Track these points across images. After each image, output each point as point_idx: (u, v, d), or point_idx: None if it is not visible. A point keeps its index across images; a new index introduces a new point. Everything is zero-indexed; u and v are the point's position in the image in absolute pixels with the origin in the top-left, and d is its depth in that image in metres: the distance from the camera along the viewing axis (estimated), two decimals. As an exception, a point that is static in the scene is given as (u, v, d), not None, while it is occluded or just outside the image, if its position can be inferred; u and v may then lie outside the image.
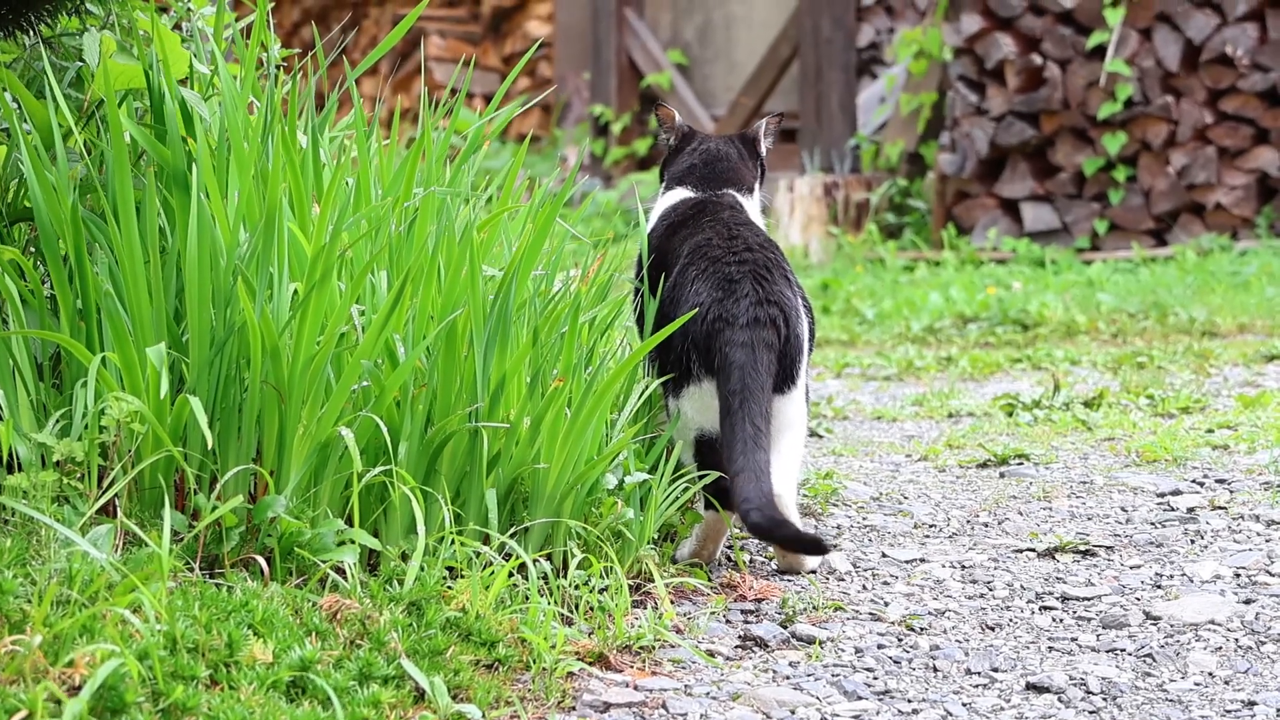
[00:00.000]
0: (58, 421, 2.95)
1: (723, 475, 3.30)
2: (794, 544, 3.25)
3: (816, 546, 3.21)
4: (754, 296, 3.33)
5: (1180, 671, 2.97)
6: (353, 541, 2.96)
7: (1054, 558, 3.62)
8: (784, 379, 3.35)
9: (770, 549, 3.55)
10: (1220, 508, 3.99)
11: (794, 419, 3.40)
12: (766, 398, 3.28)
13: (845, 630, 3.15)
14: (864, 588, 3.42)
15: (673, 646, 2.99)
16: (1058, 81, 9.94)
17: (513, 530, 3.19)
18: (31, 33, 3.22)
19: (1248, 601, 3.28)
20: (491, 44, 14.39)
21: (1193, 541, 3.72)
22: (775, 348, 3.31)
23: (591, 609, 3.05)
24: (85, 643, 2.43)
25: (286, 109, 3.33)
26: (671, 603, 3.21)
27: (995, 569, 3.54)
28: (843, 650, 3.05)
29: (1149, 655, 3.03)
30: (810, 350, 3.50)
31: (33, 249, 3.25)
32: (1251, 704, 2.81)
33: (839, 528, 3.90)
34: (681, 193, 3.76)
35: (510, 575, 2.98)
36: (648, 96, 12.68)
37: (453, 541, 3.02)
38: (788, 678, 2.92)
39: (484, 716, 2.63)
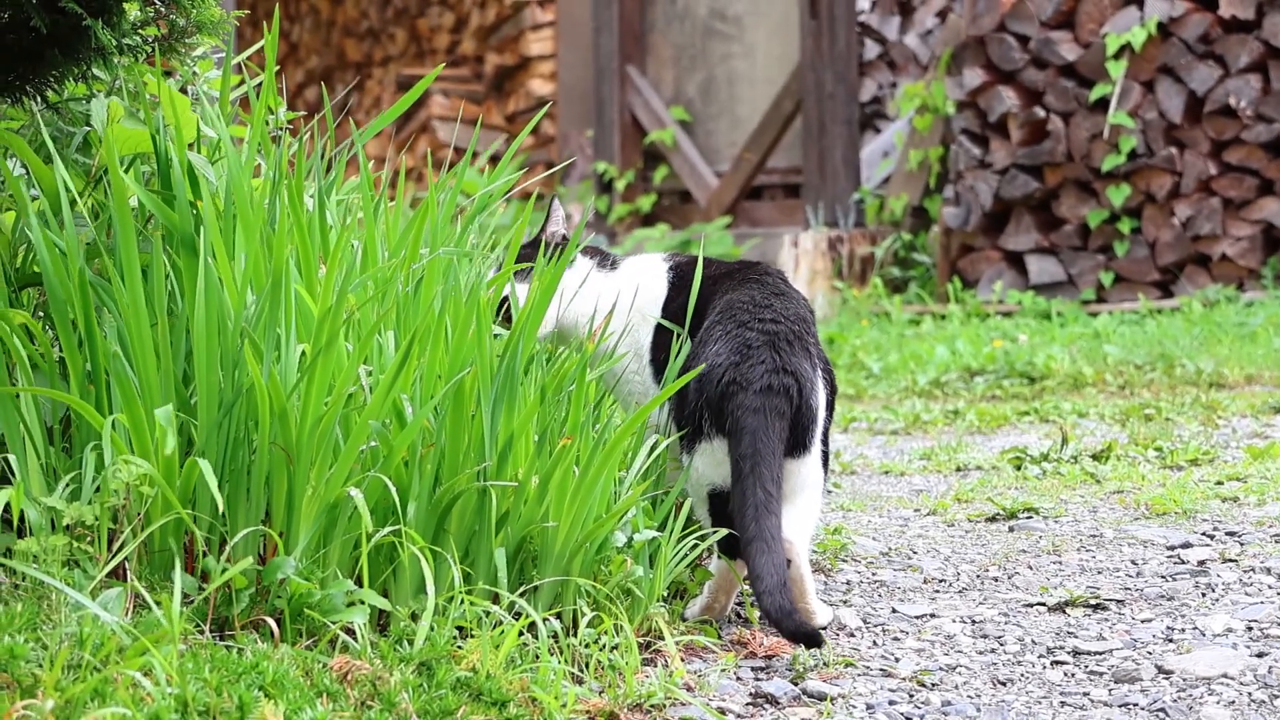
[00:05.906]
0: (67, 485, 2.95)
1: (734, 530, 3.31)
2: (792, 637, 3.20)
3: (812, 640, 3.18)
4: (770, 364, 3.36)
5: (1193, 725, 2.96)
6: (362, 602, 2.95)
7: (1065, 612, 3.61)
8: (796, 445, 3.37)
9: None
10: (1231, 560, 3.99)
11: (809, 480, 3.43)
12: (778, 463, 3.30)
13: (856, 686, 3.14)
14: (874, 643, 3.42)
15: (684, 704, 2.98)
16: (1061, 134, 9.97)
17: (522, 589, 3.18)
18: (39, 99, 3.24)
19: (1260, 655, 3.27)
20: (495, 102, 14.45)
21: (1204, 595, 3.71)
22: (787, 416, 3.34)
23: (602, 667, 3.04)
24: (97, 707, 2.42)
25: (293, 171, 3.34)
26: (682, 660, 3.20)
27: (1006, 624, 3.54)
28: (854, 707, 3.04)
29: (1162, 710, 3.01)
30: (830, 418, 3.52)
31: (42, 313, 3.26)
32: (1265, 757, 2.80)
33: (848, 583, 3.90)
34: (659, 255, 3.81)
35: (520, 634, 2.97)
36: (651, 153, 12.72)
37: (462, 601, 3.02)
38: (799, 735, 2.91)
39: (495, 777, 2.63)
